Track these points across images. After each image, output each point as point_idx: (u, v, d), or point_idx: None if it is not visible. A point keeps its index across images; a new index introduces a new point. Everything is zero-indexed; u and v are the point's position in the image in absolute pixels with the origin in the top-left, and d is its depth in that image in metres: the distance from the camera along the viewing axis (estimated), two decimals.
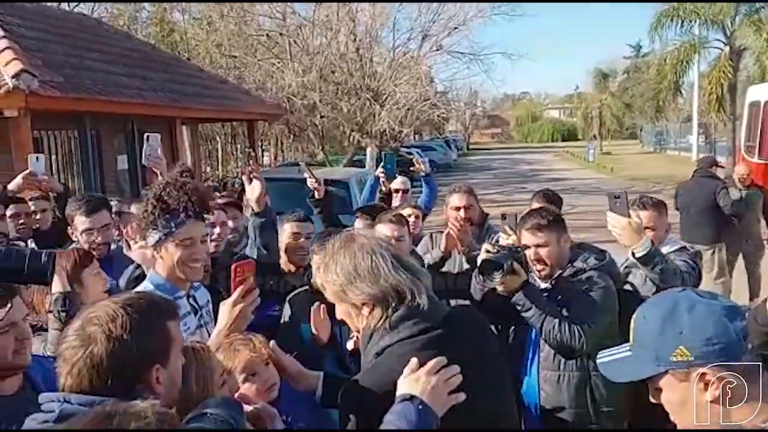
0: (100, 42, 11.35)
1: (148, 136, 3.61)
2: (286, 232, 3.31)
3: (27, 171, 3.66)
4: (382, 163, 4.55)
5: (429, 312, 1.64)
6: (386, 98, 18.28)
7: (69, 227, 3.41)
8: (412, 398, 1.50)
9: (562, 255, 2.76)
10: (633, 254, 2.68)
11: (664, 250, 3.00)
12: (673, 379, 1.27)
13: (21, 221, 3.83)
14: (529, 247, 2.73)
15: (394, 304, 1.62)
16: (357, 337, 2.31)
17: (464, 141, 47.87)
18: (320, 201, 4.08)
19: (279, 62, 18.40)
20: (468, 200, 3.75)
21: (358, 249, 1.66)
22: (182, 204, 2.20)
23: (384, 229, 3.25)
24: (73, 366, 1.35)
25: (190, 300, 2.37)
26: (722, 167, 7.06)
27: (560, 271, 2.76)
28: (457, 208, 3.72)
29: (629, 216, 2.62)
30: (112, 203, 4.22)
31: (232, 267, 2.15)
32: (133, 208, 4.28)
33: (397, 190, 4.71)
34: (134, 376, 1.37)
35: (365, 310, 1.65)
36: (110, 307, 1.40)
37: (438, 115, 22.54)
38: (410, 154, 22.86)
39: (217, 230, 3.45)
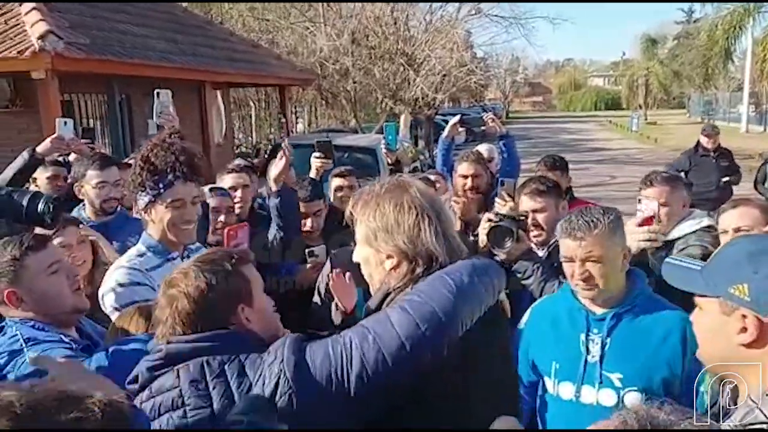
0: (129, 3, 11.31)
1: (158, 93, 3.47)
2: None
3: (55, 135, 3.66)
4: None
5: None
6: (421, 63, 17.86)
7: (77, 187, 3.43)
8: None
9: (558, 221, 2.73)
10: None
11: (685, 226, 2.85)
12: (717, 307, 1.28)
13: (58, 183, 3.89)
14: (528, 212, 2.76)
15: (420, 269, 1.56)
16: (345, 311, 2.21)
17: (503, 109, 46.90)
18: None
19: (312, 26, 18.10)
20: (475, 169, 3.67)
21: (407, 202, 1.60)
22: (170, 165, 2.18)
23: None
24: (166, 321, 1.55)
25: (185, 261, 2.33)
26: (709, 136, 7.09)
27: (556, 239, 2.69)
28: (464, 177, 3.64)
29: None
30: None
31: (226, 230, 2.19)
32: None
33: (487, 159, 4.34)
34: (221, 319, 1.55)
35: (388, 263, 1.60)
36: (184, 268, 1.60)
37: (475, 82, 21.96)
38: (445, 120, 22.47)
39: (238, 193, 3.47)
